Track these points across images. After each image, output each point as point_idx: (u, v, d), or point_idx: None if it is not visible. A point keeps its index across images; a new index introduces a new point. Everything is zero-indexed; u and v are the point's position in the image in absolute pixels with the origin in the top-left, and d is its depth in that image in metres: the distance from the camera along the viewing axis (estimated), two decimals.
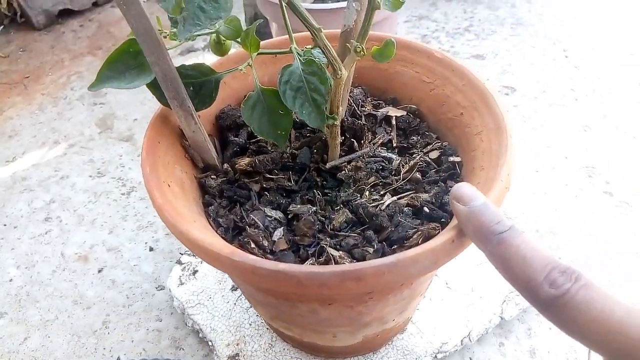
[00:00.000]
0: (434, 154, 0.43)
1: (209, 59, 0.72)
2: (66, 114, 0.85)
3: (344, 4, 0.71)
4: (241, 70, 0.40)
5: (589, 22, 1.01)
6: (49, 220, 0.69)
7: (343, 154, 0.43)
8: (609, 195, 0.68)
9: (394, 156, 0.43)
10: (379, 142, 0.44)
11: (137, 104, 0.86)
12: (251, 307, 0.53)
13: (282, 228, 0.39)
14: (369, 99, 0.48)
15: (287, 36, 0.39)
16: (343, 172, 0.42)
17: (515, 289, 0.28)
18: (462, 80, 0.43)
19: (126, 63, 0.40)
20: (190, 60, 0.91)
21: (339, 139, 0.41)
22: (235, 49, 0.48)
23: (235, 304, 0.54)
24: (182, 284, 0.56)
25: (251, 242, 0.37)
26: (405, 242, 0.35)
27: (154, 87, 0.40)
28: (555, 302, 0.25)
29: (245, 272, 0.31)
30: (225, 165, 0.43)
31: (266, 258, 0.36)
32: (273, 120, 0.40)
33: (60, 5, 1.09)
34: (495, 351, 0.53)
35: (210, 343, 0.52)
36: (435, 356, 0.50)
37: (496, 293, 0.54)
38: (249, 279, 0.32)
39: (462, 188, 0.31)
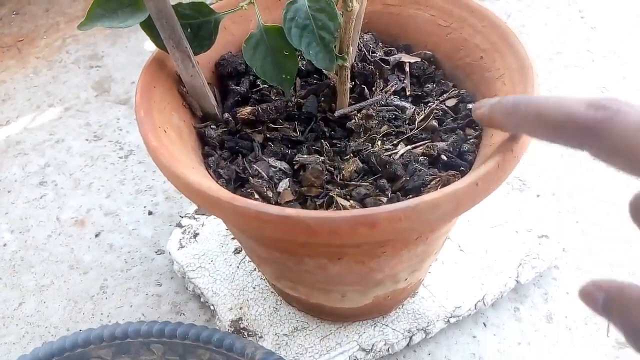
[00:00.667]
0: (451, 102, 0.40)
1: None
2: (61, 78, 0.82)
3: None
4: (243, 7, 0.37)
5: None
6: (44, 185, 0.66)
7: (352, 102, 0.40)
8: None
9: (407, 105, 0.40)
10: (392, 90, 0.41)
11: (135, 66, 0.82)
12: (255, 270, 0.51)
13: (287, 179, 0.36)
14: (380, 45, 0.45)
15: None
16: (353, 120, 0.39)
17: (552, 138, 0.25)
18: (482, 21, 0.39)
19: (119, 1, 0.37)
20: None
21: (349, 85, 0.38)
22: None
23: (238, 267, 0.52)
24: (182, 247, 0.54)
25: (254, 193, 0.34)
26: (422, 189, 0.33)
27: (149, 27, 0.37)
28: (603, 123, 0.21)
29: (249, 219, 0.28)
30: (226, 115, 0.40)
31: None
32: (277, 62, 0.37)
33: None
34: (510, 316, 0.51)
35: (212, 307, 0.50)
36: (448, 320, 0.48)
37: (512, 256, 0.52)
38: (253, 227, 0.29)
39: (483, 100, 0.29)
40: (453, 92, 0.40)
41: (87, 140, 0.71)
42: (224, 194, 0.29)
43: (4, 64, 0.85)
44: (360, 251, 0.33)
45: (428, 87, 0.41)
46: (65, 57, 0.85)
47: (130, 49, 0.86)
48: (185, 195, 0.31)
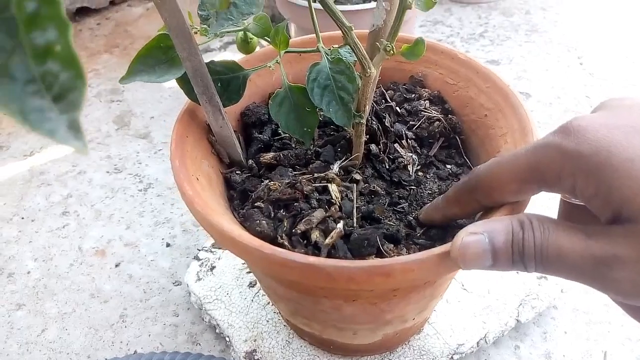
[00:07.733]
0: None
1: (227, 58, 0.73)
2: (84, 111, 0.85)
3: (365, 6, 0.72)
4: (269, 67, 0.40)
5: (604, 29, 1.01)
6: (67, 215, 0.69)
7: (366, 152, 0.43)
8: None
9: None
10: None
11: (154, 101, 0.87)
12: (269, 303, 0.54)
13: None
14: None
15: (311, 36, 0.40)
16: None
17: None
18: (486, 82, 0.43)
19: (157, 57, 0.41)
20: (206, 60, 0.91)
21: (364, 138, 0.42)
22: (259, 47, 0.49)
23: (252, 300, 0.55)
24: (199, 279, 0.57)
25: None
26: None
27: (184, 81, 0.40)
28: None
29: (275, 265, 0.31)
30: (250, 161, 0.43)
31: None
32: (300, 117, 0.40)
33: (77, 3, 1.10)
34: (510, 354, 0.53)
35: (227, 339, 0.53)
36: (452, 357, 0.51)
37: (513, 296, 0.54)
38: (278, 272, 0.32)
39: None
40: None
41: (107, 172, 0.75)
42: (254, 242, 0.32)
43: None
44: (373, 294, 0.36)
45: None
46: (88, 91, 0.90)
47: (150, 85, 0.89)
48: (217, 241, 0.34)
